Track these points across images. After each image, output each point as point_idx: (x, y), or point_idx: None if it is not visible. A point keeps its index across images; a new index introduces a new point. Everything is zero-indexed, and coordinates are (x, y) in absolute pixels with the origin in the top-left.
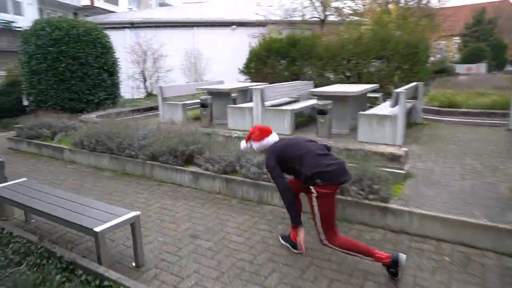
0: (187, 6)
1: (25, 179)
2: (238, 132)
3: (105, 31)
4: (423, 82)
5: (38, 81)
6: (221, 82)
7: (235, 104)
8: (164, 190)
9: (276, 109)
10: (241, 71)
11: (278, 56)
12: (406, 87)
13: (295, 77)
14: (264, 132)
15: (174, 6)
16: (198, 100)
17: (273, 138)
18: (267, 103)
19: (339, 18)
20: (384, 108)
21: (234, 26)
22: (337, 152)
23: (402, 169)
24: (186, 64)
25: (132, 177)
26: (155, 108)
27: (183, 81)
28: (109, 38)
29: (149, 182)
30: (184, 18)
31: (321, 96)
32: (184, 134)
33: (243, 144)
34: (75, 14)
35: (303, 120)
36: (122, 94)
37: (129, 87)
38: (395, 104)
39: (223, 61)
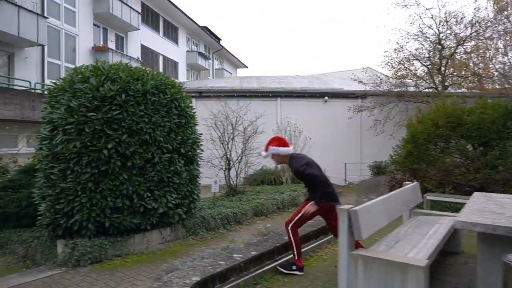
0: (263, 76)
1: None
2: None
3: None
4: None
5: (63, 173)
6: None
7: None
8: None
9: None
10: (394, 162)
11: (470, 139)
12: None
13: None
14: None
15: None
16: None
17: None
18: None
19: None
20: None
21: (326, 98)
22: None
23: None
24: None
25: None
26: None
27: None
28: (190, 101)
29: None
30: (263, 87)
31: None
32: None
33: (263, 153)
34: None
35: None
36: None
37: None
38: None
39: (316, 140)
